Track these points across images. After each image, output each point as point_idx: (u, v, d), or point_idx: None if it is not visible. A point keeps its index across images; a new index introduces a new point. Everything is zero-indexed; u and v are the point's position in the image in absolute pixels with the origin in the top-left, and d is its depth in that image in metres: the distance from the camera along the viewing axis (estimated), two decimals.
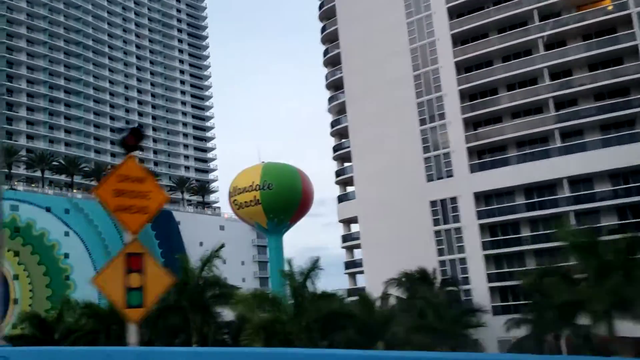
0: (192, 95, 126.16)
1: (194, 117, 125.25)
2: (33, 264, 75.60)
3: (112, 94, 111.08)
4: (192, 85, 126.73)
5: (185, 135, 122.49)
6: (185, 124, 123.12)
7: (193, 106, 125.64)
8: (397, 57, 51.25)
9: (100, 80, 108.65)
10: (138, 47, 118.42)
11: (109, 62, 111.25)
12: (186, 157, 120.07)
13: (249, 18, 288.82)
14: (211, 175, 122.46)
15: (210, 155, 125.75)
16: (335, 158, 57.77)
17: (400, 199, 48.72)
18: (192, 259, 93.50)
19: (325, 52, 60.33)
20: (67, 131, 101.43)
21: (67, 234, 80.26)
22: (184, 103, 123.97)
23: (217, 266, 38.66)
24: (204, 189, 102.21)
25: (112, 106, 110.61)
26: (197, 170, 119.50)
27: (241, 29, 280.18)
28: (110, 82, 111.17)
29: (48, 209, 78.84)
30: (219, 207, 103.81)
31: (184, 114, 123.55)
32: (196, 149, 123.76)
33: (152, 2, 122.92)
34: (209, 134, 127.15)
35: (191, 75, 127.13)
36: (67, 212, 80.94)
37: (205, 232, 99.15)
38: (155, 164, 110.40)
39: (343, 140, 57.73)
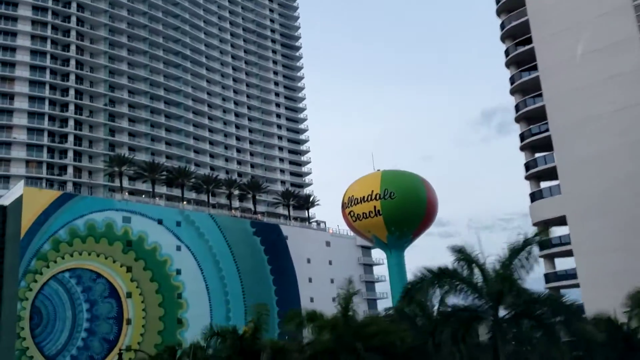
0: (287, 108, 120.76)
1: (288, 129, 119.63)
2: (145, 281, 70.05)
3: (210, 106, 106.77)
4: (286, 97, 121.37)
5: (281, 148, 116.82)
6: (280, 137, 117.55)
7: (288, 119, 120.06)
8: (616, 16, 42.56)
9: (198, 91, 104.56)
10: (234, 57, 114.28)
11: (206, 72, 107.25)
12: (282, 171, 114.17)
13: (342, 21, 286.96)
14: (307, 190, 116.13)
15: (305, 169, 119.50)
16: (523, 148, 48.88)
17: (628, 190, 39.40)
18: (300, 277, 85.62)
19: (503, 25, 51.59)
20: (168, 143, 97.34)
21: (178, 248, 74.58)
22: (278, 115, 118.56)
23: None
24: (308, 202, 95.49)
25: (210, 118, 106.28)
26: (292, 184, 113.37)
27: (334, 31, 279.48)
28: (208, 93, 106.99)
29: (160, 222, 73.60)
30: (324, 222, 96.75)
31: (279, 126, 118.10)
32: (292, 163, 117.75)
33: (246, 11, 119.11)
34: (303, 147, 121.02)
35: (285, 87, 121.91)
36: (178, 225, 75.45)
37: (312, 248, 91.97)
38: (252, 176, 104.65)
39: (531, 126, 48.77)
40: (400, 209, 75.87)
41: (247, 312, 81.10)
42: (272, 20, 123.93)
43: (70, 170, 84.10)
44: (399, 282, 73.61)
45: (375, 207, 76.29)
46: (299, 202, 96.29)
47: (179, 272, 73.55)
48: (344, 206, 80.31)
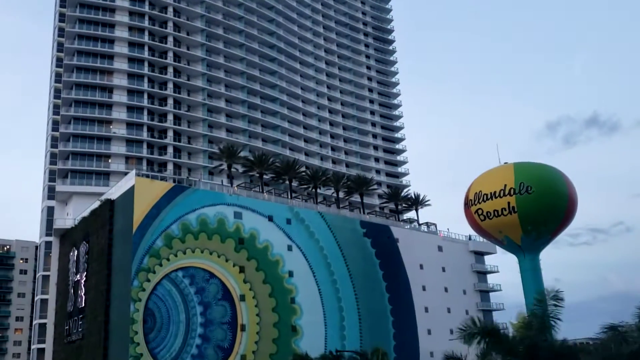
0: (381, 104, 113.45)
1: (383, 127, 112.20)
2: (258, 283, 63.61)
3: (304, 102, 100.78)
4: (380, 94, 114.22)
5: (376, 147, 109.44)
6: (375, 135, 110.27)
7: (382, 116, 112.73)
8: None
9: (292, 86, 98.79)
10: (327, 51, 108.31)
11: (300, 67, 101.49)
12: (377, 171, 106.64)
13: (433, 11, 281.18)
14: (403, 182, 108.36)
15: (401, 169, 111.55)
16: None
17: None
18: (413, 284, 77.04)
19: None
20: (264, 140, 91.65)
21: (289, 248, 67.92)
22: (372, 112, 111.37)
23: None
24: (417, 201, 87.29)
25: (304, 114, 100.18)
26: (388, 185, 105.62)
27: (426, 22, 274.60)
28: (302, 88, 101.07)
29: (270, 218, 67.23)
30: (434, 224, 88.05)
31: (373, 124, 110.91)
32: (387, 163, 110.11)
33: (338, 4, 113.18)
34: (399, 146, 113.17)
35: (379, 82, 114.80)
36: (288, 223, 68.91)
37: (424, 252, 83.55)
38: (347, 164, 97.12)
39: None
40: (539, 205, 66.74)
41: (362, 321, 74.62)
42: (364, 13, 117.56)
43: (170, 166, 79.38)
44: (534, 289, 64.04)
45: (509, 203, 67.40)
46: (408, 201, 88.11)
47: (291, 274, 66.82)
48: (468, 204, 71.70)
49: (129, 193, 58.07)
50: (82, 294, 63.70)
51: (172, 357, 54.78)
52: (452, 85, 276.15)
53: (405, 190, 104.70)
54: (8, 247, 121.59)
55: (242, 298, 61.46)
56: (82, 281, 64.18)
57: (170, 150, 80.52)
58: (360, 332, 71.26)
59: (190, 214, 60.43)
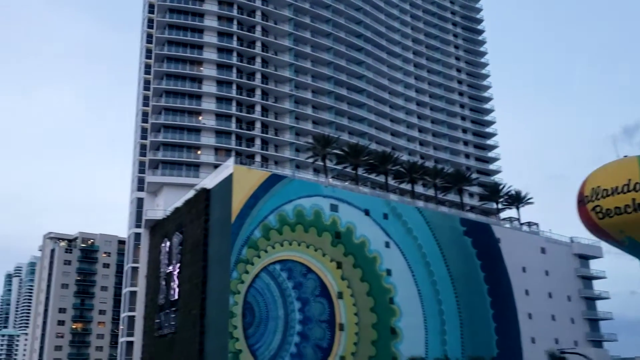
0: (471, 97, 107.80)
1: (473, 122, 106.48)
2: (356, 280, 59.84)
3: (391, 93, 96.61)
4: (469, 86, 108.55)
5: (466, 143, 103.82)
6: (465, 130, 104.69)
7: (472, 109, 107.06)
8: None
9: (379, 77, 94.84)
10: (414, 41, 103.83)
11: (387, 57, 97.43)
12: (468, 168, 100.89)
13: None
14: (495, 179, 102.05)
15: (493, 166, 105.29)
16: None
17: None
18: (515, 288, 70.97)
19: None
20: (350, 132, 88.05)
21: (387, 244, 63.80)
22: (462, 106, 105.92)
23: None
24: (518, 198, 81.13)
25: (391, 107, 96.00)
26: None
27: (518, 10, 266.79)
28: (389, 79, 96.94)
29: (367, 212, 63.38)
30: (536, 224, 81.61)
31: (463, 118, 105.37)
32: (478, 159, 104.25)
33: None
34: (490, 142, 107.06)
35: (468, 74, 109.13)
36: (385, 218, 64.84)
37: (526, 254, 77.26)
38: (436, 161, 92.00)
39: None
40: None
41: (463, 326, 69.54)
42: (452, 2, 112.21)
43: (257, 159, 77.04)
44: None
45: (634, 200, 60.56)
46: (509, 199, 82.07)
47: (389, 272, 62.65)
48: (583, 200, 65.09)
49: (227, 182, 55.65)
50: (175, 286, 61.91)
51: (271, 355, 51.76)
52: (544, 80, 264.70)
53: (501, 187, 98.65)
54: (92, 241, 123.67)
55: (340, 295, 57.80)
56: (175, 273, 62.41)
57: (257, 142, 78.27)
58: (461, 337, 66.19)
59: (286, 204, 57.41)
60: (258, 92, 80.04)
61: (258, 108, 79.51)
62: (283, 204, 57.08)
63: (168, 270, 64.80)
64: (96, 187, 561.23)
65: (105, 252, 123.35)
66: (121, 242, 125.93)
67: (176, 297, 61.34)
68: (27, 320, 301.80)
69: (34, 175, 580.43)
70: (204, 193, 59.54)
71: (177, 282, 62.02)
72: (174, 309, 61.42)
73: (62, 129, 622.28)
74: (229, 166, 56.39)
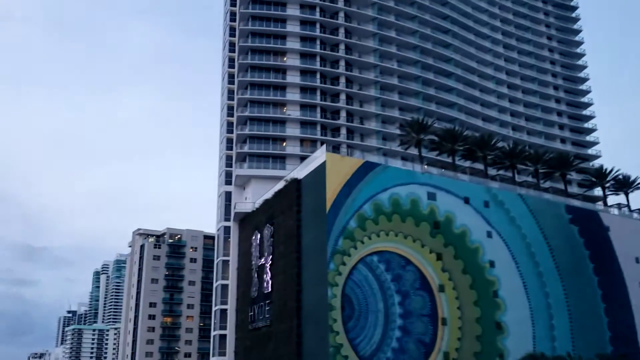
0: (565, 78, 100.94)
1: (568, 104, 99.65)
2: (457, 272, 56.38)
3: (480, 76, 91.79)
4: (563, 66, 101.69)
5: (561, 127, 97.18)
6: (560, 113, 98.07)
7: (567, 91, 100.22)
8: None
9: (467, 60, 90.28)
10: (503, 21, 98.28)
11: (474, 38, 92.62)
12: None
13: None
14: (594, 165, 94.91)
15: (592, 150, 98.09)
16: None
17: None
18: (628, 280, 64.56)
19: None
20: (439, 118, 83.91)
21: (489, 234, 59.82)
22: (556, 88, 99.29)
23: None
24: (627, 183, 74.59)
25: (481, 90, 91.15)
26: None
27: None
28: (478, 62, 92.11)
29: (466, 200, 59.68)
30: None
31: (558, 101, 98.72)
32: (574, 144, 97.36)
33: None
34: (588, 125, 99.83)
35: (561, 54, 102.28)
36: (486, 206, 60.88)
37: (638, 243, 70.99)
38: (530, 147, 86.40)
39: None
40: None
41: (572, 321, 64.44)
42: None
43: (343, 149, 74.83)
44: None
45: None
46: (615, 183, 75.63)
47: (492, 264, 58.65)
48: None
49: (319, 171, 53.72)
50: (268, 278, 60.81)
51: (372, 350, 49.37)
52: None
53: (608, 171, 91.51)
54: (179, 236, 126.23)
55: (442, 288, 54.54)
56: (268, 265, 61.31)
57: (343, 131, 76.10)
58: (571, 333, 61.14)
59: (381, 193, 54.75)
60: (342, 80, 77.82)
61: (343, 96, 77.31)
62: (378, 193, 54.48)
63: (260, 263, 63.86)
64: (177, 186, 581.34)
65: (192, 247, 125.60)
66: (207, 237, 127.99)
67: (270, 289, 60.23)
68: (115, 315, 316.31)
69: (117, 178, 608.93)
70: (295, 183, 57.95)
71: (269, 274, 60.91)
72: (268, 301, 60.34)
73: (146, 130, 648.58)
74: (321, 155, 54.41)
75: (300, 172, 58.76)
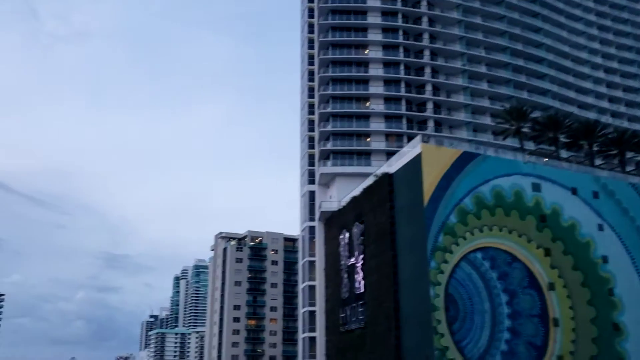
0: None
1: None
2: (567, 269, 51.78)
3: (574, 61, 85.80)
4: None
5: None
6: None
7: None
8: None
9: (560, 44, 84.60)
10: (597, 1, 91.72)
11: (566, 20, 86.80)
12: None
13: None
14: None
15: None
16: None
17: None
18: None
19: None
20: (532, 107, 78.81)
21: (600, 227, 54.77)
22: None
23: None
24: None
25: (575, 75, 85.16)
26: None
27: None
28: (571, 46, 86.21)
29: (574, 191, 54.93)
30: None
31: None
32: None
33: None
34: None
35: None
36: (595, 197, 55.84)
37: None
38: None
39: None
40: None
41: None
42: None
43: (431, 142, 71.26)
44: None
45: None
46: None
47: (605, 259, 53.48)
48: None
49: (414, 163, 50.74)
50: (360, 278, 58.34)
51: (480, 353, 45.79)
52: None
53: None
54: (259, 239, 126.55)
55: (551, 287, 50.09)
56: (359, 265, 58.85)
57: (430, 124, 72.78)
58: None
59: (482, 185, 51.03)
60: (428, 70, 74.56)
61: (429, 87, 74.05)
62: (479, 185, 50.80)
63: (350, 263, 61.53)
64: (253, 190, 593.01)
65: (272, 250, 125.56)
66: (287, 239, 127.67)
67: (362, 290, 57.73)
68: (195, 319, 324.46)
69: (192, 186, 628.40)
70: (386, 178, 55.18)
71: (361, 274, 58.43)
72: (360, 302, 57.87)
73: (220, 138, 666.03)
74: (416, 146, 51.47)
75: (391, 166, 56.02)
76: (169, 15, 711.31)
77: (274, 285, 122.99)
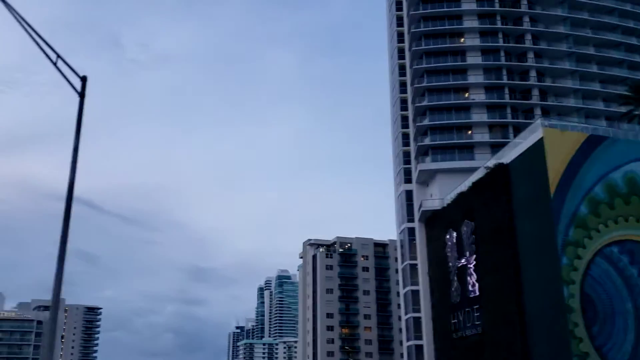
0: None
1: None
2: None
3: None
4: None
5: None
6: None
7: None
8: None
9: None
10: None
11: None
12: None
13: None
14: None
15: None
16: None
17: None
18: None
19: None
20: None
21: None
22: None
23: None
24: None
25: None
26: None
27: None
28: None
29: None
30: None
31: None
32: None
33: None
34: None
35: None
36: None
37: None
38: None
39: None
40: None
41: None
42: None
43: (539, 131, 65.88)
44: None
45: None
46: None
47: None
48: None
49: (536, 150, 46.05)
50: (473, 280, 53.86)
51: None
52: None
53: None
54: (349, 245, 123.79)
55: None
56: (471, 266, 54.43)
57: (537, 112, 67.30)
58: None
59: (613, 171, 45.46)
60: (530, 55, 69.20)
61: (533, 73, 68.64)
62: (610, 171, 45.30)
63: (460, 264, 57.15)
64: (334, 199, 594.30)
65: (362, 256, 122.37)
66: (377, 245, 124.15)
67: (477, 293, 53.17)
68: (280, 329, 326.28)
69: (272, 199, 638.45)
70: (501, 170, 50.69)
71: (475, 276, 53.94)
72: (475, 306, 53.36)
73: (298, 149, 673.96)
74: (535, 131, 46.78)
75: (502, 157, 51.49)
76: (242, 34, 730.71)
77: (366, 292, 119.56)
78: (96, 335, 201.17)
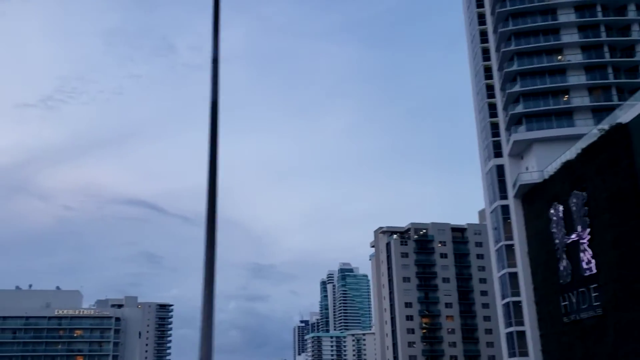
0: None
1: None
2: None
3: None
4: None
5: None
6: None
7: None
8: None
9: None
10: None
11: None
12: None
13: None
14: None
15: None
16: None
17: None
18: None
19: None
20: None
21: None
22: None
23: None
24: None
25: None
26: None
27: None
28: None
29: None
30: None
31: None
32: None
33: None
34: None
35: None
36: None
37: None
38: None
39: None
40: None
41: None
42: None
43: None
44: None
45: None
46: None
47: None
48: None
49: None
50: (589, 257, 48.24)
51: None
52: None
53: None
54: (424, 230, 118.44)
55: None
56: (585, 241, 48.81)
57: None
58: None
59: None
60: (631, 7, 62.13)
61: (635, 28, 61.55)
62: None
63: (570, 240, 51.46)
64: (392, 190, 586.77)
65: (439, 242, 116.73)
66: (454, 230, 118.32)
67: (594, 270, 47.55)
68: (345, 321, 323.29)
69: (326, 194, 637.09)
70: (619, 132, 44.83)
71: (590, 252, 48.29)
72: (593, 285, 47.72)
73: (351, 143, 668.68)
74: None
75: (624, 114, 45.57)
76: (293, 31, 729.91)
77: (445, 280, 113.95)
78: (169, 332, 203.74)
